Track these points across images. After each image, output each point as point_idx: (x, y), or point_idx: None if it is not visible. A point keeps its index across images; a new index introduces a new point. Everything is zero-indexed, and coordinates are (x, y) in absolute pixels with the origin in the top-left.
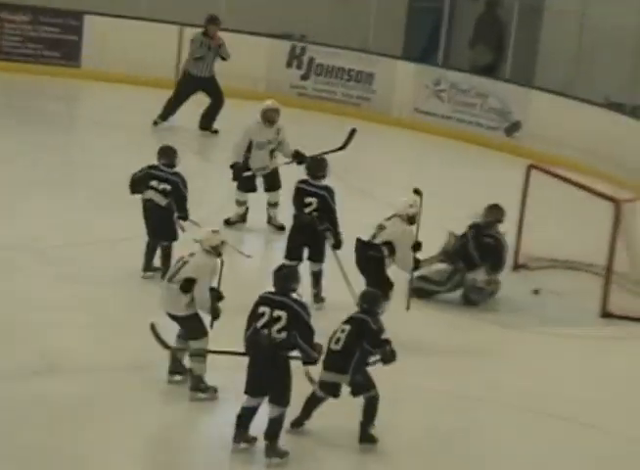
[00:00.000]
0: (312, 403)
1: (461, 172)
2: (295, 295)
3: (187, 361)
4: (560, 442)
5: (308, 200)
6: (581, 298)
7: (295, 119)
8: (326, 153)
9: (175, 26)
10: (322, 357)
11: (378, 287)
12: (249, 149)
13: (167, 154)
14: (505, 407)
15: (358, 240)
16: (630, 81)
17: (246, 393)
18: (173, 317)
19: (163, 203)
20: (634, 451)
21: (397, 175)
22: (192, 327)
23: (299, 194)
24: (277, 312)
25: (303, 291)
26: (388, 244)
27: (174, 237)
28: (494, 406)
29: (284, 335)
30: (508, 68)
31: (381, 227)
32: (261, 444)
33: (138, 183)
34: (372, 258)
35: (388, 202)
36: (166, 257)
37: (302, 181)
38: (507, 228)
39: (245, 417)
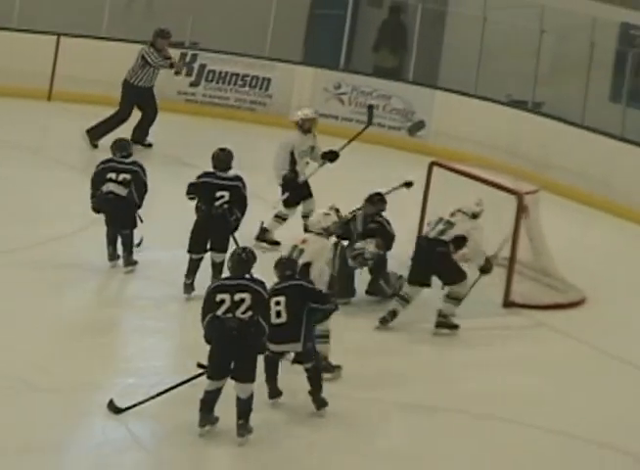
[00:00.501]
0: (270, 368)
1: (364, 173)
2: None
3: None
4: (470, 436)
5: (220, 193)
6: (485, 289)
7: (182, 126)
8: (354, 138)
9: (52, 36)
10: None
11: (454, 279)
12: (293, 161)
13: (122, 146)
14: (413, 406)
15: (424, 238)
16: (530, 80)
17: (209, 377)
18: None
19: (124, 193)
20: (548, 444)
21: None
22: None
23: (208, 188)
24: (238, 296)
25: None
26: (458, 239)
27: (135, 225)
28: (402, 404)
29: (249, 314)
30: (411, 70)
31: (449, 224)
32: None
33: (97, 181)
34: (442, 253)
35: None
36: (129, 245)
37: (208, 175)
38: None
39: (210, 400)
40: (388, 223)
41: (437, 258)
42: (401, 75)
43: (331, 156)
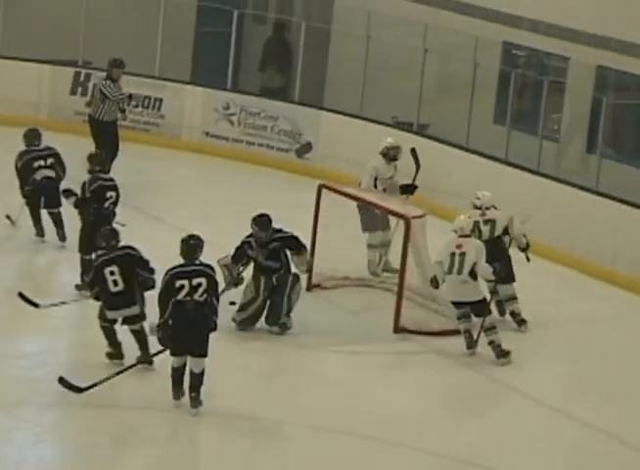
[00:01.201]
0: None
1: (254, 195)
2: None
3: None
4: (365, 460)
5: (109, 193)
6: (375, 314)
7: (80, 147)
8: (414, 179)
9: None
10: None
11: (509, 270)
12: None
13: (34, 135)
14: (308, 428)
15: (487, 241)
16: (415, 101)
17: (174, 354)
18: (469, 304)
19: (53, 174)
20: (435, 468)
21: (189, 200)
22: (484, 306)
23: (102, 189)
24: (196, 281)
25: None
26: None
27: (61, 203)
28: (297, 427)
29: (205, 296)
30: (297, 90)
31: (491, 222)
32: None
33: (25, 174)
34: (503, 249)
35: (178, 226)
36: (60, 222)
37: (97, 177)
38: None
39: (179, 376)
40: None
41: (501, 254)
42: (288, 96)
43: (411, 189)
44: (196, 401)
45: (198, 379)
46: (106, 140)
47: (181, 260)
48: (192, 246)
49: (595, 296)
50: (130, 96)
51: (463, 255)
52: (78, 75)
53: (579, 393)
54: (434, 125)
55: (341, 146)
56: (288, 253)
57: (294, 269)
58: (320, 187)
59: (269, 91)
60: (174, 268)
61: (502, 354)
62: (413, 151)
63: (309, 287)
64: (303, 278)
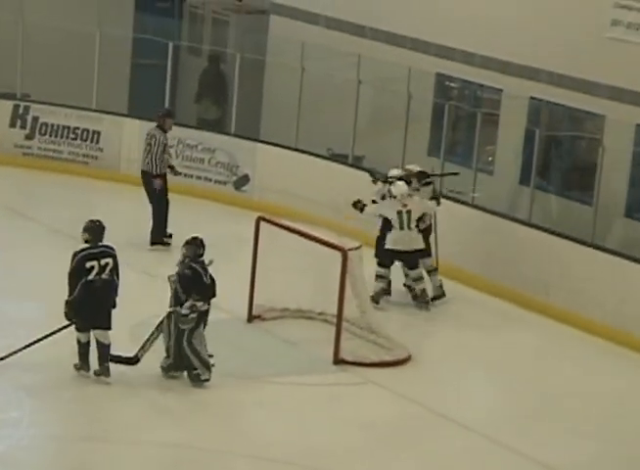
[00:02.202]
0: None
1: (192, 227)
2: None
3: None
4: None
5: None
6: (314, 346)
7: (20, 180)
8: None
9: None
10: None
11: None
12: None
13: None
14: (248, 458)
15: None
16: (351, 133)
17: (81, 330)
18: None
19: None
20: None
21: (128, 232)
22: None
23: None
24: (104, 260)
25: None
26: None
27: None
28: (237, 457)
29: (110, 274)
30: (233, 122)
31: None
32: None
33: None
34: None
35: (120, 259)
36: None
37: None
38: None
39: (86, 350)
40: (205, 271)
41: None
42: (224, 128)
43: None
44: (107, 371)
45: (107, 350)
46: (162, 193)
47: None
48: (98, 229)
49: (528, 326)
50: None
51: (409, 212)
52: (17, 108)
53: (515, 422)
54: (370, 157)
55: (277, 178)
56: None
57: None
58: (258, 219)
59: (206, 123)
60: (83, 251)
61: (427, 301)
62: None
63: (250, 318)
64: (234, 308)
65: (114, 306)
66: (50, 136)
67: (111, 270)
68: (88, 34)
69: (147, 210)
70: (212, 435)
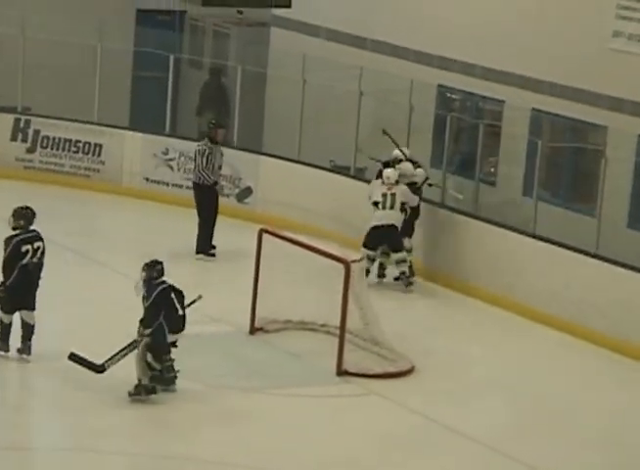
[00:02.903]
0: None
1: (194, 240)
2: None
3: None
4: None
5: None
6: (317, 357)
7: (21, 193)
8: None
9: None
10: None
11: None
12: None
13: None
14: (243, 469)
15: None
16: (352, 145)
17: (7, 312)
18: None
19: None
20: None
21: (129, 245)
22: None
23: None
24: (36, 244)
25: None
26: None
27: None
28: (232, 469)
29: (40, 257)
30: (235, 135)
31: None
32: None
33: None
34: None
35: (120, 271)
36: None
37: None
38: None
39: (8, 331)
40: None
41: None
42: (226, 140)
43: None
44: (29, 350)
45: (32, 329)
46: (211, 204)
47: None
48: (29, 215)
49: (532, 337)
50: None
51: (393, 195)
52: (18, 121)
53: (519, 433)
54: (372, 169)
55: (279, 190)
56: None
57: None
58: (261, 232)
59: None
60: (16, 236)
61: (410, 283)
62: (384, 132)
63: (252, 330)
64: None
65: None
66: (51, 149)
67: (42, 253)
68: (89, 47)
69: (149, 223)
70: (214, 446)
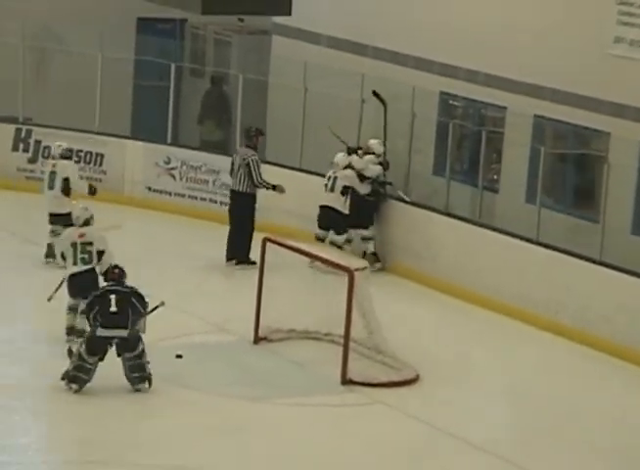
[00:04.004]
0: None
1: (197, 249)
2: None
3: None
4: None
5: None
6: (321, 366)
7: (22, 204)
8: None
9: None
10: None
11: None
12: None
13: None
14: None
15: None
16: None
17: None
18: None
19: None
20: None
21: (131, 255)
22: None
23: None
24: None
25: None
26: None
27: None
28: None
29: None
30: (237, 143)
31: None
32: None
33: None
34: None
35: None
36: None
37: None
38: None
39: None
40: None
41: None
42: (228, 149)
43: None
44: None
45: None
46: (254, 214)
47: None
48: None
49: (536, 344)
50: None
51: (335, 178)
52: (19, 131)
53: (526, 441)
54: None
55: (282, 198)
56: None
57: None
58: (264, 240)
59: (209, 144)
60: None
61: (378, 260)
62: (374, 93)
63: (256, 340)
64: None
65: None
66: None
67: None
68: (90, 56)
69: (152, 232)
70: (217, 456)
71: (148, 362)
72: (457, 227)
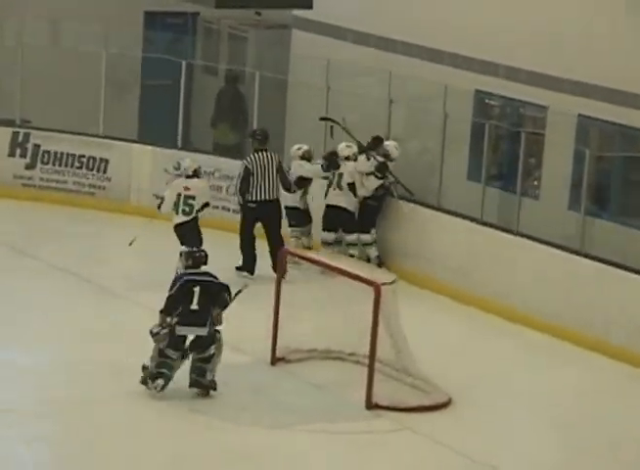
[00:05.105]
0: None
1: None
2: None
3: None
4: None
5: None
6: (345, 389)
7: (19, 213)
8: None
9: None
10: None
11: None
12: None
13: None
14: None
15: None
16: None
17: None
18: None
19: None
20: None
21: (137, 269)
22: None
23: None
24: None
25: None
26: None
27: None
28: None
29: None
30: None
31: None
32: None
33: None
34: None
35: (129, 297)
36: None
37: None
38: None
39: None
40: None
41: None
42: (244, 153)
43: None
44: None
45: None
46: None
47: None
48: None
49: (582, 365)
50: None
51: (340, 174)
52: (16, 135)
53: None
54: (404, 182)
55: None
56: None
57: None
58: (282, 252)
59: (223, 148)
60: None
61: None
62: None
63: (273, 361)
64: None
65: None
66: (53, 165)
67: None
68: (94, 54)
69: (160, 244)
70: None
71: (211, 370)
72: (492, 236)
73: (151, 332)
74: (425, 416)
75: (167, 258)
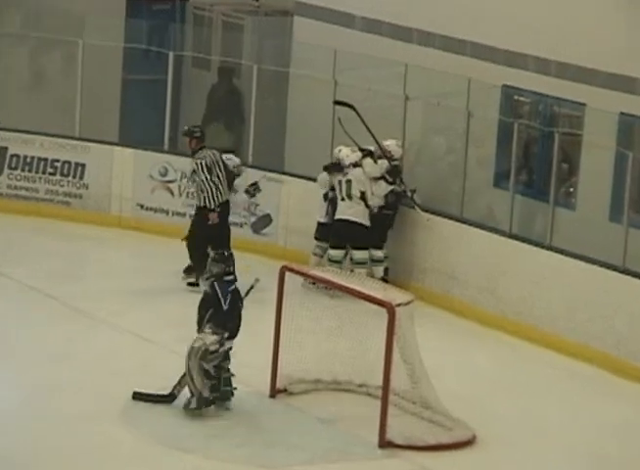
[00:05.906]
0: None
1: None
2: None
3: None
4: None
5: None
6: (355, 425)
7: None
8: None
9: None
10: None
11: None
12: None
13: None
14: None
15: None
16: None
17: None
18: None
19: None
20: None
21: (119, 287)
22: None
23: None
24: None
25: None
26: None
27: None
28: None
29: None
30: (251, 150)
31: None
32: None
33: None
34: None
35: (111, 322)
36: None
37: None
38: None
39: None
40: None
41: None
42: (240, 157)
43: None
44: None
45: None
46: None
47: None
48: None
49: (622, 398)
50: None
51: (349, 181)
52: None
53: None
54: (421, 190)
55: (306, 218)
56: None
57: None
58: (283, 269)
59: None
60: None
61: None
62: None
63: (273, 393)
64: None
65: None
66: (22, 171)
67: None
68: (69, 44)
69: (144, 259)
70: None
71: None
72: (522, 251)
73: (207, 350)
74: (445, 456)
75: (151, 275)
